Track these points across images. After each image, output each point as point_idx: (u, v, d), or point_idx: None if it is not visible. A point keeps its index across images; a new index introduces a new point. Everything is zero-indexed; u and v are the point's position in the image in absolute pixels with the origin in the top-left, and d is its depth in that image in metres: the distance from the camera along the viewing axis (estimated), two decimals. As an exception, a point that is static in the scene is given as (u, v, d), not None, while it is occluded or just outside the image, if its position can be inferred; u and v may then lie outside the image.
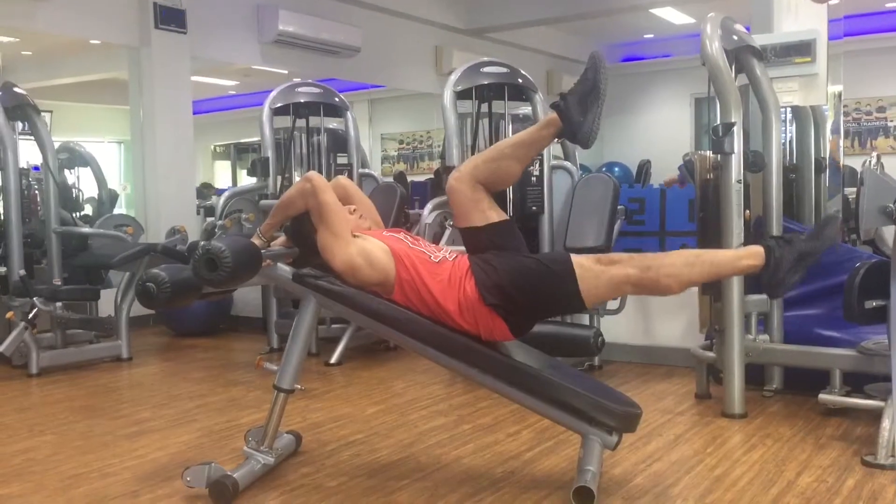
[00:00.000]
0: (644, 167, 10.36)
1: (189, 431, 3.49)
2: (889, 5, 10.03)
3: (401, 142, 14.52)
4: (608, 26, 11.37)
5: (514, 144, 2.64)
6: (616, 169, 11.76)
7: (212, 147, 15.31)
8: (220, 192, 7.82)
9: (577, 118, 2.50)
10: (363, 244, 2.62)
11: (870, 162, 5.17)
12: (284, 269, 2.80)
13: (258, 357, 2.91)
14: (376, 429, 3.47)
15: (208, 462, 2.68)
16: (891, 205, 3.54)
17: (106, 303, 5.39)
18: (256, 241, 2.78)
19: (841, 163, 4.64)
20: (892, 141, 10.95)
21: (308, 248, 2.74)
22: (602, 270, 2.47)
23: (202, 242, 2.79)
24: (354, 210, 2.83)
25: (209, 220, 5.59)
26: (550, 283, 2.49)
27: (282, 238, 2.90)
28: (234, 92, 13.73)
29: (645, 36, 11.93)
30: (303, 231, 2.76)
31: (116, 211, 7.62)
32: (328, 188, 2.69)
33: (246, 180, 14.15)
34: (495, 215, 2.63)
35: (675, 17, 10.53)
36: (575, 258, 2.53)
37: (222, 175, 15.34)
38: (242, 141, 14.18)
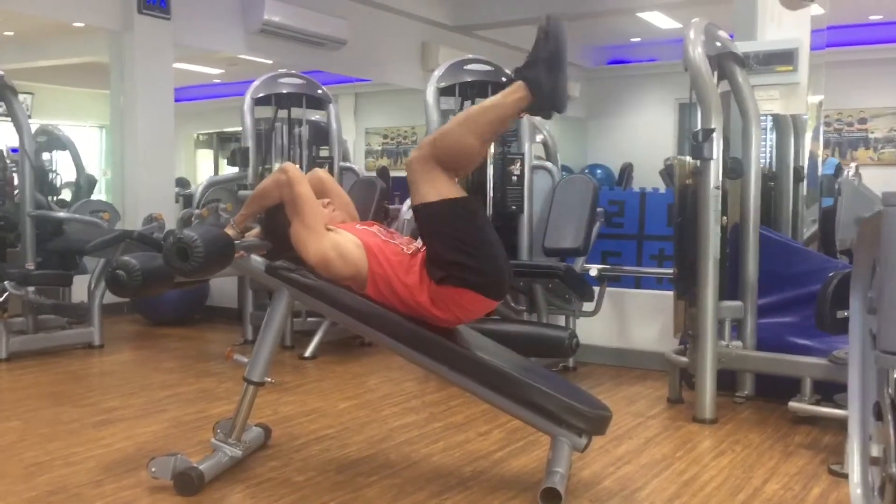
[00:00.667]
0: (626, 170, 10.41)
1: (158, 421, 3.46)
2: (873, 17, 10.12)
3: (385, 136, 14.49)
4: (595, 28, 11.38)
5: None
6: (598, 171, 11.81)
7: (195, 135, 15.20)
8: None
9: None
10: (336, 238, 2.60)
11: (848, 173, 5.21)
12: (258, 260, 2.78)
13: (229, 348, 2.88)
14: (347, 424, 3.46)
15: (174, 453, 2.66)
16: (866, 215, 3.56)
17: (80, 289, 5.33)
18: (230, 231, 2.75)
19: (819, 172, 4.67)
20: (872, 152, 11.06)
21: (281, 240, 2.71)
22: (421, 174, 2.46)
23: (175, 231, 2.76)
24: (329, 203, 2.81)
25: (186, 209, 5.54)
26: (436, 218, 2.47)
27: (256, 229, 2.87)
28: (218, 80, 13.64)
29: (632, 39, 11.98)
30: (277, 223, 2.73)
31: (98, 196, 7.55)
32: (303, 180, 2.67)
33: (228, 170, 14.10)
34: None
35: (662, 21, 10.57)
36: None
37: (204, 164, 15.24)
38: (226, 130, 14.10)
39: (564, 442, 2.59)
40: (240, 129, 5.33)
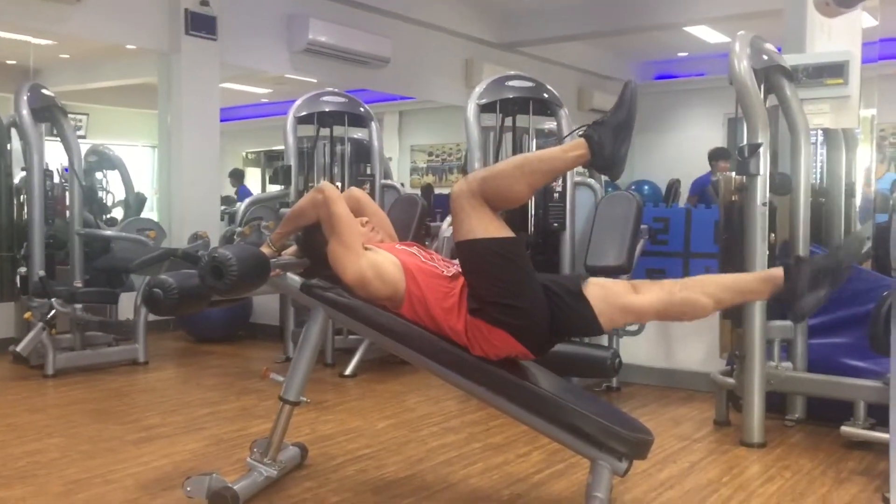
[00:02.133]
0: (673, 186, 10.22)
1: (197, 439, 3.46)
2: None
3: (430, 154, 14.53)
4: (641, 43, 11.28)
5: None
6: (645, 187, 11.66)
7: (243, 154, 15.41)
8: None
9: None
10: (374, 257, 2.57)
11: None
12: (294, 279, 2.76)
13: (265, 367, 2.88)
14: (385, 444, 3.42)
15: (210, 472, 2.65)
16: (922, 233, 3.44)
17: (126, 306, 5.41)
18: (266, 249, 2.75)
19: (873, 188, 4.53)
20: (930, 167, 10.72)
21: (319, 259, 2.69)
22: (467, 208, 2.39)
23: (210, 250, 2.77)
24: (367, 222, 2.79)
25: (228, 227, 5.59)
26: (481, 256, 2.41)
27: (293, 248, 2.86)
28: (266, 100, 13.82)
29: (679, 54, 11.84)
30: (314, 242, 2.72)
31: (149, 214, 7.67)
32: (340, 199, 2.64)
33: (275, 187, 14.21)
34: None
35: (709, 35, 10.43)
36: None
37: (252, 182, 15.44)
38: (274, 149, 14.26)
39: (604, 466, 2.51)
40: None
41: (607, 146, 2.38)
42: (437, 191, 10.68)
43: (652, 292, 2.46)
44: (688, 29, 10.10)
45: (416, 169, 14.55)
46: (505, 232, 2.45)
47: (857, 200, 4.40)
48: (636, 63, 12.70)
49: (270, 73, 8.90)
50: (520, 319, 2.44)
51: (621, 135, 2.40)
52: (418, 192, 9.36)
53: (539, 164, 2.44)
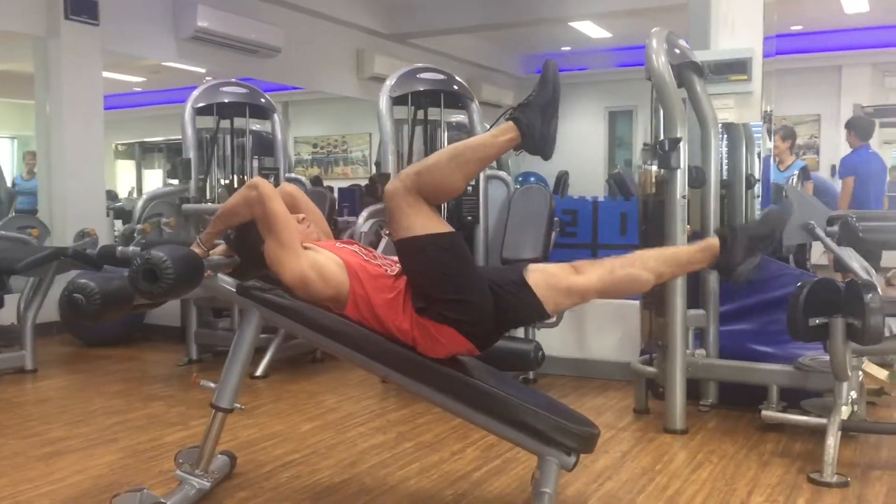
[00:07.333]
0: (562, 178, 10.46)
1: (110, 451, 3.25)
2: (794, 28, 10.44)
3: (314, 145, 14.30)
4: (527, 37, 11.45)
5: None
6: (532, 179, 11.84)
7: (113, 146, 14.67)
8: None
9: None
10: (315, 257, 2.46)
11: (792, 180, 5.31)
12: (227, 280, 2.62)
13: (194, 374, 2.71)
14: (314, 447, 3.31)
15: (139, 488, 2.49)
16: (811, 221, 3.66)
17: (9, 310, 5.03)
18: (197, 249, 2.59)
19: (771, 180, 4.74)
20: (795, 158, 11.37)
21: (253, 258, 2.56)
22: (404, 206, 2.33)
23: (135, 250, 2.59)
24: (303, 219, 2.67)
25: (128, 225, 5.28)
26: (422, 253, 2.35)
27: (221, 246, 2.71)
28: (139, 89, 13.23)
29: (562, 48, 12.07)
30: (248, 241, 2.58)
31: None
32: (276, 196, 2.51)
33: (150, 180, 13.70)
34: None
35: (592, 30, 10.70)
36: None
37: (125, 175, 14.74)
38: (148, 140, 13.64)
39: (553, 461, 2.50)
40: (162, 138, 5.11)
41: (536, 127, 2.37)
42: (325, 183, 10.52)
43: (593, 271, 2.47)
44: (572, 24, 10.31)
45: (301, 161, 14.29)
46: (445, 227, 2.40)
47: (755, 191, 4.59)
48: (522, 56, 12.88)
49: (155, 60, 8.49)
50: (467, 314, 2.39)
51: (548, 114, 2.39)
52: (325, 186, 9.18)
53: (472, 153, 2.39)
